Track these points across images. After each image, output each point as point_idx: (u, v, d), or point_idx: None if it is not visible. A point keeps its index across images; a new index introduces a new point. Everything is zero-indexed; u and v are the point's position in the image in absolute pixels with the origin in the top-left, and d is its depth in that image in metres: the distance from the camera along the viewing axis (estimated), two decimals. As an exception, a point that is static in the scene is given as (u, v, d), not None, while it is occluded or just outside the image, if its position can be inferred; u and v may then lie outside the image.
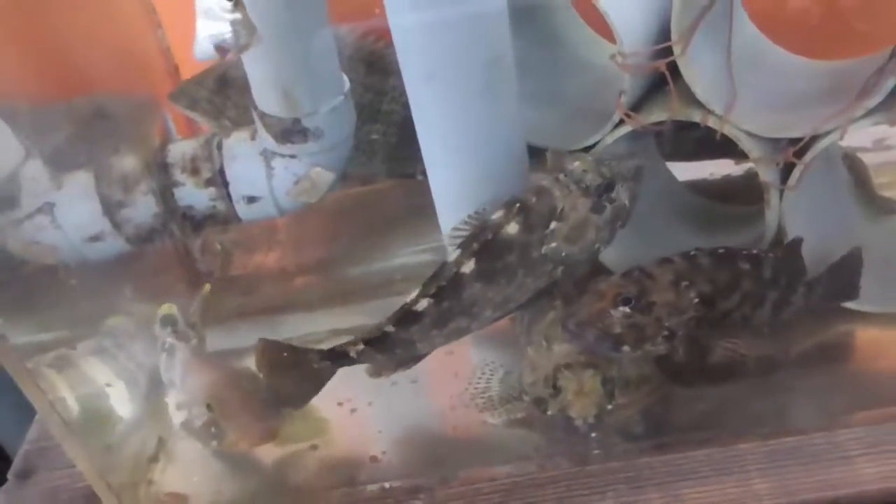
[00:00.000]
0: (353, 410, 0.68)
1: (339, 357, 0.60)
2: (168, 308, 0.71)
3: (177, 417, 0.66)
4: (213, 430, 0.63)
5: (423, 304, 0.58)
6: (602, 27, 0.65)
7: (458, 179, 0.62)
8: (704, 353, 0.59)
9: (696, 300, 0.57)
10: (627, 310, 0.55)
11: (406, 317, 0.58)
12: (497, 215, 0.58)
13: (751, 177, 0.67)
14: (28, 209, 0.68)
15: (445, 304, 0.58)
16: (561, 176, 0.57)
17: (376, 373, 0.61)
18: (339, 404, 0.68)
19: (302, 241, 0.84)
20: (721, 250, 0.60)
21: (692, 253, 0.60)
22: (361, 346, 0.59)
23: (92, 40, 0.76)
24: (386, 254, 0.83)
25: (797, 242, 0.62)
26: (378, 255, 0.83)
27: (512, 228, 0.57)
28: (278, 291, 0.81)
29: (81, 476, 0.67)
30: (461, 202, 0.61)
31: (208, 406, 0.63)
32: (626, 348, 0.56)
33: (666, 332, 0.57)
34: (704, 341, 0.59)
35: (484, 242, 0.57)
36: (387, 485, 0.62)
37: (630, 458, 0.60)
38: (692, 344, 0.58)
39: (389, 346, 0.59)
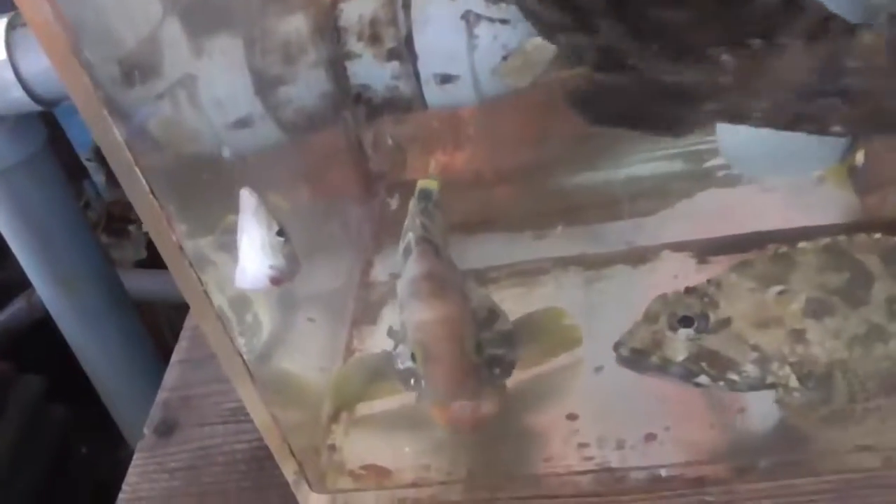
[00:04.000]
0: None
1: None
2: (429, 182, 0.61)
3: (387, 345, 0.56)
4: (412, 382, 0.52)
5: None
6: None
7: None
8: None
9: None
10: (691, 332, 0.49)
11: None
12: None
13: None
14: (168, 81, 0.55)
15: None
16: None
17: None
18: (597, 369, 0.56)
19: (500, 139, 0.69)
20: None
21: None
22: None
23: None
24: (612, 161, 0.70)
25: None
26: (602, 161, 0.70)
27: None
28: (471, 204, 0.69)
29: (241, 433, 0.59)
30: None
31: (412, 355, 0.50)
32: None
33: None
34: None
35: None
36: (662, 472, 0.51)
37: None
38: None
39: None
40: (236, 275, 0.47)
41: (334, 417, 0.58)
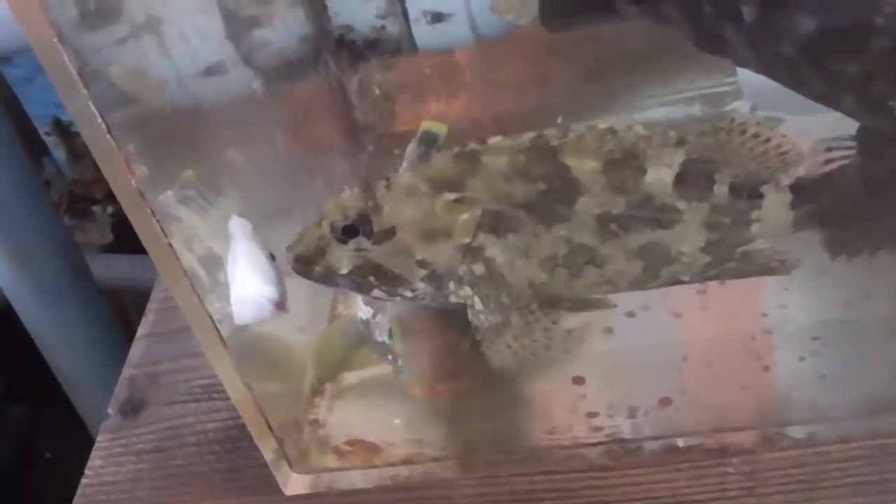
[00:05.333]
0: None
1: None
2: (435, 125, 0.61)
3: (362, 312, 0.56)
4: (389, 358, 0.55)
5: None
6: None
7: None
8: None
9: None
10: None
11: None
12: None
13: None
14: (131, 25, 0.56)
15: None
16: None
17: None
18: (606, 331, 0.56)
19: (500, 84, 0.70)
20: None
21: None
22: None
23: None
24: (622, 105, 0.71)
25: None
26: (611, 106, 0.70)
27: None
28: None
29: (213, 411, 0.60)
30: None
31: (390, 330, 0.54)
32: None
33: None
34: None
35: None
36: (679, 442, 0.51)
37: None
38: None
39: None
40: (234, 307, 0.48)
41: (317, 389, 0.58)
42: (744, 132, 0.46)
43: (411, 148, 0.60)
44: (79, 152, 1.25)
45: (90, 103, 0.42)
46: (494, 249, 0.46)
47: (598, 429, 0.53)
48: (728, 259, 0.47)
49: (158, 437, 0.60)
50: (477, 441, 0.55)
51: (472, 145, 0.47)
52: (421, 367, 0.55)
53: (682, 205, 0.45)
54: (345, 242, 0.47)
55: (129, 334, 1.01)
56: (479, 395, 0.55)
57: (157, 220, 0.45)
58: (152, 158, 0.47)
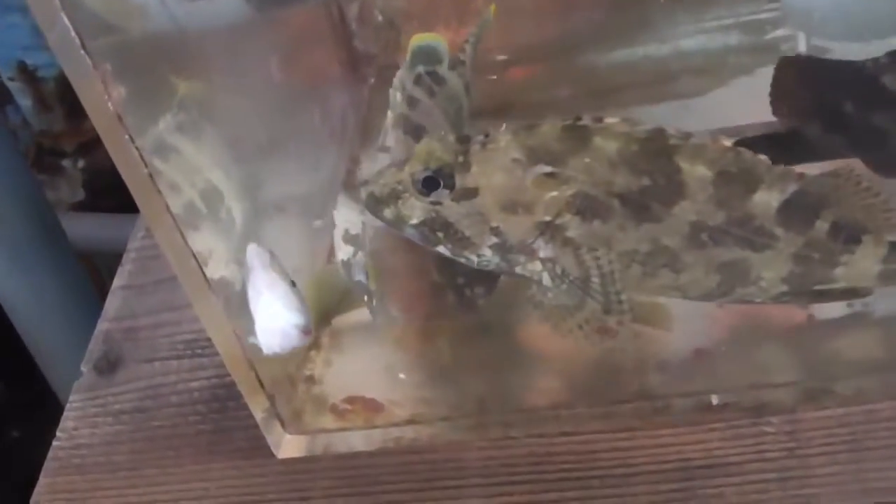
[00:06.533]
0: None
1: None
2: (427, 38, 0.61)
3: (341, 252, 0.57)
4: (366, 299, 0.56)
5: None
6: None
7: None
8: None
9: None
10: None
11: None
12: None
13: None
14: None
15: None
16: None
17: None
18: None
19: (516, 10, 0.70)
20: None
21: None
22: None
23: None
24: (654, 33, 0.71)
25: None
26: (642, 34, 0.71)
27: None
28: (480, 90, 0.67)
29: (198, 368, 0.61)
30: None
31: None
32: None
33: None
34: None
35: None
36: (714, 399, 0.51)
37: None
38: None
39: None
40: (261, 338, 0.51)
41: (313, 342, 0.58)
42: (858, 183, 0.48)
43: (402, 70, 0.60)
44: (47, 101, 1.25)
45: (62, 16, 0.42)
46: (577, 231, 0.48)
47: (625, 385, 0.53)
48: (803, 293, 0.49)
49: (137, 396, 0.61)
50: (490, 399, 0.55)
51: (587, 120, 0.48)
52: (396, 310, 0.55)
53: (779, 231, 0.47)
54: (423, 194, 0.48)
55: (104, 299, 1.02)
56: (488, 347, 0.56)
57: (137, 147, 0.46)
58: (133, 90, 0.47)
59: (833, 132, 0.57)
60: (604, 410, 0.52)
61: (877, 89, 0.55)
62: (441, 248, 0.49)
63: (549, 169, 0.47)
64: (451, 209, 0.48)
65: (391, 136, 0.57)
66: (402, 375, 0.56)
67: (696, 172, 0.46)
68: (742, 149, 0.47)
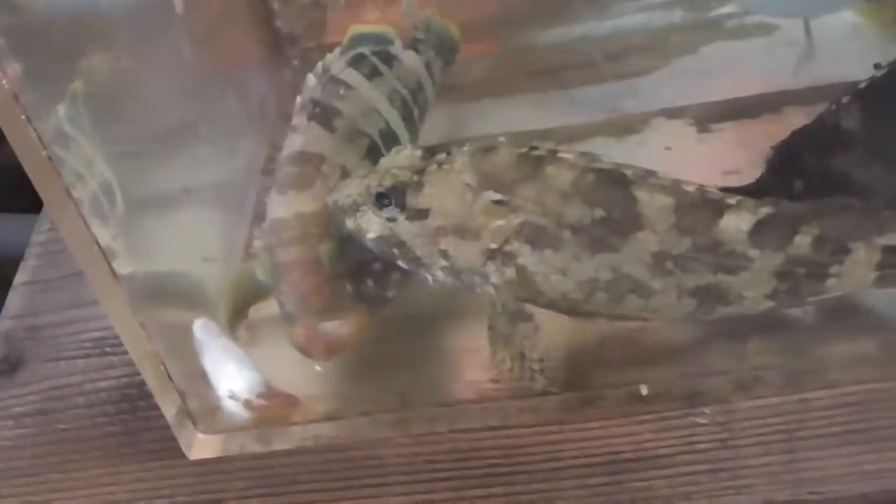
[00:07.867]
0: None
1: None
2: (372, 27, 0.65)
3: (255, 245, 0.63)
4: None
5: None
6: None
7: None
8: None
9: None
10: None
11: None
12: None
13: None
14: None
15: None
16: None
17: None
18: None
19: None
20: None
21: None
22: None
23: None
24: (595, 11, 0.74)
25: None
26: (583, 12, 0.74)
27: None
28: None
29: (106, 368, 0.63)
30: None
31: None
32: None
33: None
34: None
35: None
36: (643, 389, 0.55)
37: None
38: None
39: None
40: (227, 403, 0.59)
41: (229, 333, 0.61)
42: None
43: (329, 58, 0.62)
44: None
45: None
46: (528, 259, 0.51)
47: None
48: (795, 304, 0.53)
49: (40, 398, 0.63)
50: (412, 393, 0.58)
51: (544, 150, 0.52)
52: (289, 305, 0.57)
53: (753, 253, 0.50)
54: (379, 208, 0.53)
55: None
56: (410, 339, 0.59)
57: (35, 129, 0.48)
58: (31, 68, 0.50)
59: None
60: (531, 403, 0.56)
61: (840, 135, 0.57)
62: (399, 263, 0.54)
63: (497, 196, 0.51)
64: (404, 227, 0.53)
65: (294, 120, 0.60)
66: (318, 368, 0.59)
67: (656, 202, 0.50)
68: (707, 187, 0.51)
